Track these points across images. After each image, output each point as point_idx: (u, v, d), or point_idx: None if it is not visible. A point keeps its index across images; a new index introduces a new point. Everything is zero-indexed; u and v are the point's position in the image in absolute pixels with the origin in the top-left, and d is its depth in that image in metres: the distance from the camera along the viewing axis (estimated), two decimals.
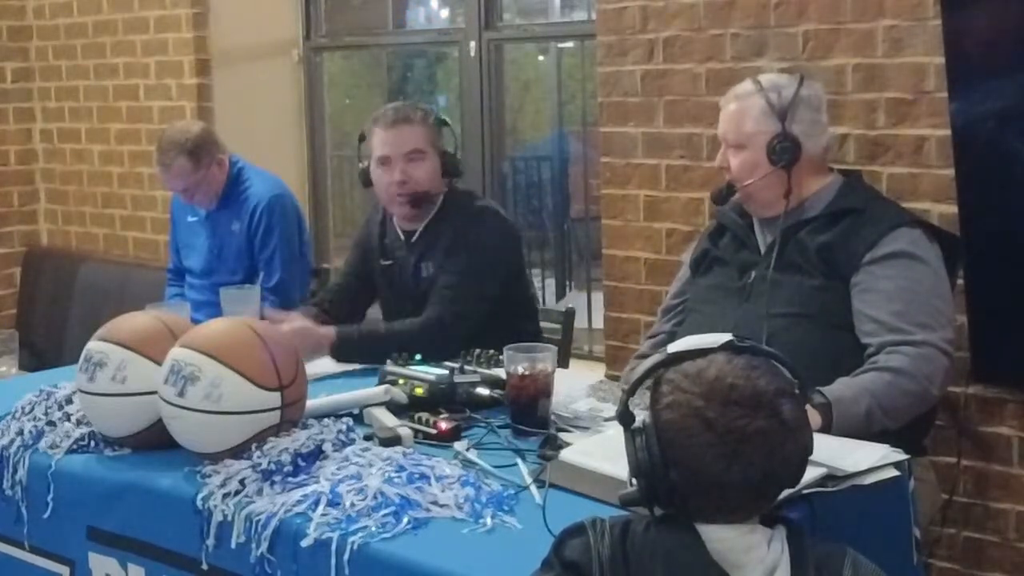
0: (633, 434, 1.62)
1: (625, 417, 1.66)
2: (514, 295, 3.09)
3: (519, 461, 2.14)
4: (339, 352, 2.84)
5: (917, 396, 2.41)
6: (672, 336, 2.75)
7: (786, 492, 1.81)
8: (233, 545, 2.01)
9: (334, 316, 3.10)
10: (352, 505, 1.94)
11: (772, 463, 1.56)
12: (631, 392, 1.66)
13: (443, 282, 2.96)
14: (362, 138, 3.11)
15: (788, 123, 2.60)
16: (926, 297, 2.48)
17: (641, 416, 1.65)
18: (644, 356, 2.78)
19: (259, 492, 2.05)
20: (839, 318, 2.50)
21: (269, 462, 2.09)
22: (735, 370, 1.57)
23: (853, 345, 2.48)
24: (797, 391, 1.63)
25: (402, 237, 3.10)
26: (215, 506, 2.05)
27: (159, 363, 2.24)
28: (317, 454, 2.14)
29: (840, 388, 2.33)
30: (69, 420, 2.43)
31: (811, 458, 1.94)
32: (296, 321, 2.81)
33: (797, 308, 2.53)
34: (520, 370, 2.34)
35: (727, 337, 1.63)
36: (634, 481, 1.63)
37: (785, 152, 2.59)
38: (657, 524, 1.61)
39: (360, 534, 1.87)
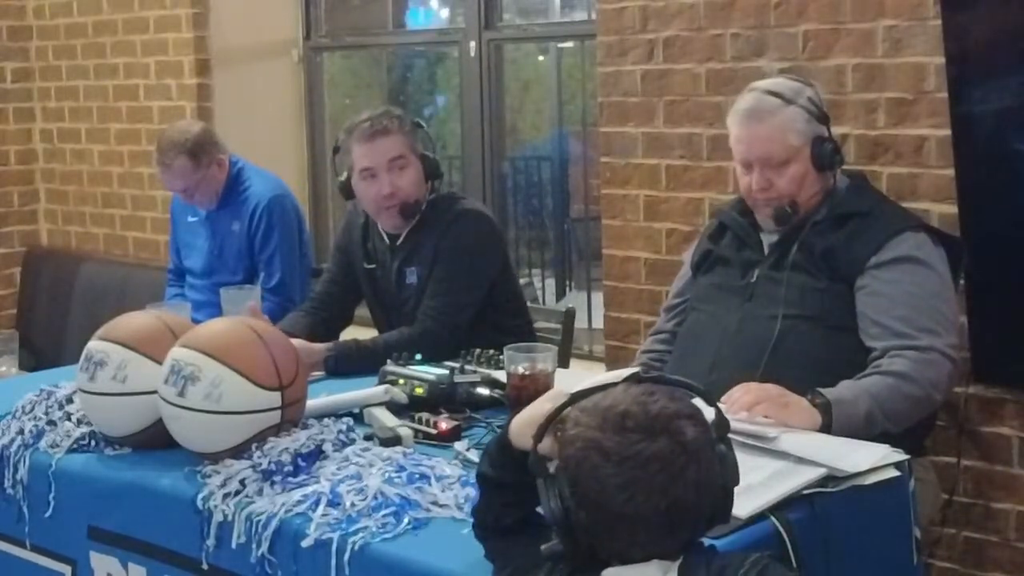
0: (546, 483, 1.57)
1: (537, 465, 1.61)
2: (500, 293, 3.09)
3: None
4: (334, 366, 2.83)
5: (919, 401, 2.39)
6: (674, 336, 2.76)
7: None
8: (233, 545, 2.01)
9: (321, 324, 3.10)
10: (352, 505, 1.94)
11: (676, 489, 1.49)
12: (539, 437, 1.61)
13: (431, 292, 2.97)
14: (336, 150, 3.09)
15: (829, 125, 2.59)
16: (932, 302, 2.46)
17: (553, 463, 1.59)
18: (650, 351, 2.80)
19: (259, 492, 2.06)
20: (842, 320, 2.49)
21: (269, 462, 2.09)
22: (629, 397, 1.53)
23: (856, 348, 2.46)
24: (711, 416, 1.57)
25: (387, 240, 3.09)
26: (215, 506, 2.05)
27: (160, 362, 2.24)
28: (317, 454, 2.14)
29: (841, 390, 2.31)
30: (70, 419, 2.43)
31: (811, 458, 1.97)
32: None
33: (800, 310, 2.52)
34: (520, 370, 2.35)
35: (631, 371, 1.61)
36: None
37: (836, 153, 2.57)
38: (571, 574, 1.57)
39: (360, 534, 1.87)
